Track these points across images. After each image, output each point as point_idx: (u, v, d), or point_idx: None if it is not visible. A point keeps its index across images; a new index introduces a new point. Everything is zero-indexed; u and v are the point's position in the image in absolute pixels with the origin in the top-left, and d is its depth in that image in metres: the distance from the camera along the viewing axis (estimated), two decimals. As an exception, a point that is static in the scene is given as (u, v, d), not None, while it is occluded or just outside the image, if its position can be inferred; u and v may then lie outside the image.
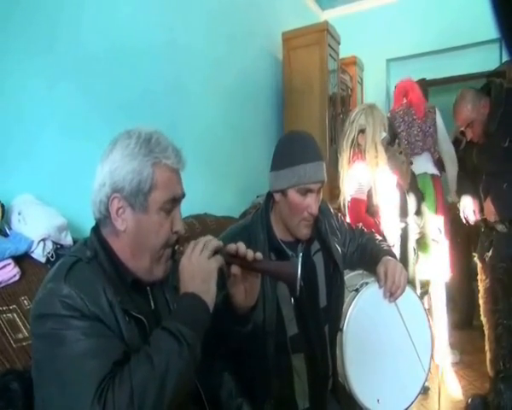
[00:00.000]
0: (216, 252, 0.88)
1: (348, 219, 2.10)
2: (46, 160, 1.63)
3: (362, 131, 2.20)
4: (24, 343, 1.19)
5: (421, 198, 2.53)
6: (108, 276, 0.85)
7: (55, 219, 1.48)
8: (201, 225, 2.25)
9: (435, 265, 2.64)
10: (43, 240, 1.41)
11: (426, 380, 1.44)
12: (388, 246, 1.56)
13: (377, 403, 1.33)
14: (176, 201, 0.92)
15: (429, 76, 3.71)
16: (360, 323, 1.35)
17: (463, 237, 3.14)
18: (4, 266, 1.28)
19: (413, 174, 2.60)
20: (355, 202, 2.16)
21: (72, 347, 0.73)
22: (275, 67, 3.52)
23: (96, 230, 0.92)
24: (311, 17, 4.30)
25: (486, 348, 2.17)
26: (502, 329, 2.00)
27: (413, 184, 2.44)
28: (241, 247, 0.93)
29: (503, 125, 2.00)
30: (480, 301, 2.21)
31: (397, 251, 2.06)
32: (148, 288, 0.95)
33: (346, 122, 2.37)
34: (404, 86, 3.04)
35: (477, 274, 2.29)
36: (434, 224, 2.61)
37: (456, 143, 2.88)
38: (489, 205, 2.08)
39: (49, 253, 1.42)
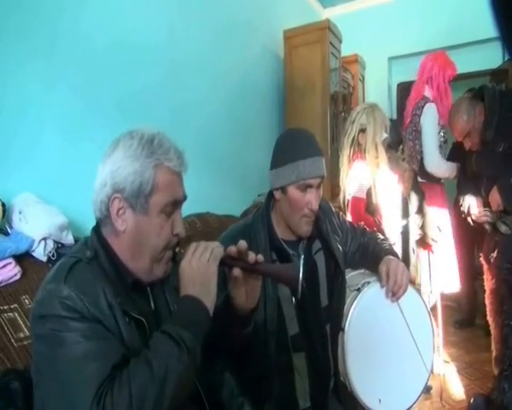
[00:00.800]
0: (217, 256, 0.88)
1: (349, 218, 2.09)
2: (47, 159, 1.63)
3: (362, 130, 2.20)
4: (25, 342, 1.19)
5: (422, 198, 2.52)
6: (108, 276, 0.85)
7: (56, 217, 1.48)
8: (203, 224, 2.25)
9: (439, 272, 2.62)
10: (44, 239, 1.41)
11: (428, 379, 1.43)
12: (390, 245, 1.55)
13: (379, 403, 1.32)
14: (177, 203, 0.92)
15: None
16: (362, 322, 1.35)
17: (466, 237, 3.12)
18: (5, 266, 1.28)
19: (415, 175, 2.58)
20: (355, 201, 2.17)
21: (71, 349, 0.72)
22: (276, 66, 3.51)
23: (96, 229, 0.92)
24: (312, 15, 4.29)
25: (492, 347, 2.17)
26: (508, 330, 2.00)
27: (414, 185, 2.42)
28: (242, 245, 0.92)
29: (499, 131, 1.98)
30: (486, 302, 2.20)
31: (397, 250, 2.05)
32: (148, 288, 0.95)
33: (347, 121, 2.36)
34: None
35: (479, 274, 2.27)
36: (435, 223, 2.59)
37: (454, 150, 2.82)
38: (495, 194, 2.06)
39: (50, 252, 1.42)
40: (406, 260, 2.21)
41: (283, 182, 1.27)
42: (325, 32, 3.25)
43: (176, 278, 0.90)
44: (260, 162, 3.08)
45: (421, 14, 4.08)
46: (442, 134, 2.74)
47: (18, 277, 1.31)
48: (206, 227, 2.24)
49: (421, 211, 2.43)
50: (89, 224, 0.96)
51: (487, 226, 2.20)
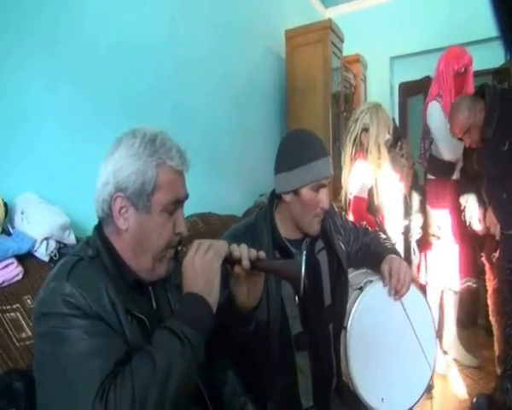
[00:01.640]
0: (221, 254, 0.87)
1: (350, 218, 2.09)
2: (49, 158, 1.63)
3: (365, 129, 2.20)
4: (27, 342, 1.18)
5: (423, 197, 2.52)
6: (110, 275, 0.85)
7: (58, 217, 1.48)
8: (205, 224, 2.25)
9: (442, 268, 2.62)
10: (46, 239, 1.41)
11: (431, 378, 1.43)
12: (392, 244, 1.55)
13: (381, 402, 1.32)
14: (179, 202, 0.92)
15: (433, 74, 3.68)
16: (364, 321, 1.35)
17: (469, 236, 3.11)
18: (7, 266, 1.28)
19: (415, 174, 2.58)
20: (357, 200, 2.17)
21: (74, 346, 0.72)
22: (278, 65, 3.51)
23: (98, 229, 0.92)
24: (314, 15, 4.29)
25: (495, 347, 2.16)
26: (510, 330, 1.99)
27: (415, 184, 2.42)
28: (243, 250, 0.92)
29: (501, 129, 1.98)
30: (489, 302, 2.20)
31: (399, 250, 2.05)
32: (150, 287, 0.95)
33: (350, 119, 2.36)
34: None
35: (482, 273, 2.27)
36: (435, 221, 2.59)
37: None
38: (491, 216, 2.07)
39: (52, 252, 1.42)
40: (408, 259, 2.21)
41: (296, 184, 1.26)
42: (327, 32, 3.24)
43: (178, 277, 0.90)
44: (262, 162, 3.09)
45: (422, 14, 4.07)
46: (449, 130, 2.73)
47: (20, 277, 1.31)
48: (207, 227, 2.24)
49: (422, 210, 2.43)
50: (91, 224, 0.96)
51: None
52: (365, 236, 1.54)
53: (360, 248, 1.52)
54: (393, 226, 2.18)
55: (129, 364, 0.72)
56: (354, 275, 1.53)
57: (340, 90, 3.52)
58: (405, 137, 3.76)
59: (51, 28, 1.65)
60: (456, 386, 2.51)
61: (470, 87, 2.67)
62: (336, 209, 1.52)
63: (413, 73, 4.18)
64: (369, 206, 2.16)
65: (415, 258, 2.49)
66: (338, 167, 2.63)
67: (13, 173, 1.50)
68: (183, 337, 0.76)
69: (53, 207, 1.51)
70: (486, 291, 2.24)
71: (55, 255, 1.42)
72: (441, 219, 2.60)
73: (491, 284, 2.17)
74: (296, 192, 1.28)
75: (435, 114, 2.68)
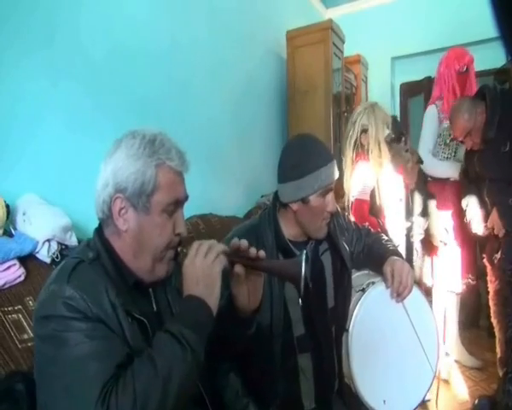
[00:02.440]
0: (222, 258, 0.87)
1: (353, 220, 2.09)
2: (51, 159, 1.63)
3: (364, 130, 2.19)
4: (29, 344, 1.18)
5: (426, 199, 2.51)
6: (111, 277, 0.85)
7: (59, 219, 1.48)
8: (206, 224, 2.25)
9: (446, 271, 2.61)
10: (48, 240, 1.41)
11: (433, 380, 1.42)
12: (394, 246, 1.55)
13: (383, 404, 1.32)
14: (178, 203, 0.92)
15: (435, 74, 3.68)
16: (366, 323, 1.35)
17: (470, 238, 3.11)
18: (9, 267, 1.28)
19: (421, 174, 2.57)
20: (358, 202, 2.16)
21: (74, 349, 0.72)
22: (279, 66, 3.51)
23: (98, 230, 0.92)
24: (315, 15, 4.29)
25: (497, 349, 2.15)
26: None
27: (419, 184, 2.41)
28: (243, 243, 0.92)
29: (502, 130, 1.98)
30: (491, 303, 2.19)
31: (402, 251, 2.04)
32: (150, 289, 0.95)
33: (348, 122, 2.35)
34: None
35: (483, 274, 2.26)
36: (441, 224, 2.58)
37: None
38: (496, 217, 2.06)
39: (53, 253, 1.42)
40: (410, 261, 2.21)
41: (305, 193, 1.25)
42: (328, 33, 3.24)
43: (178, 279, 0.90)
44: (263, 163, 3.09)
45: (423, 14, 4.07)
46: (451, 132, 2.72)
47: (22, 278, 1.31)
48: (208, 228, 2.23)
49: (425, 213, 2.41)
50: (92, 225, 0.96)
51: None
52: (368, 237, 1.54)
53: (363, 250, 1.51)
54: (395, 228, 2.17)
55: (130, 368, 0.72)
56: (356, 276, 1.53)
57: (341, 91, 3.52)
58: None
59: (49, 25, 1.63)
60: (457, 388, 2.51)
61: (474, 86, 2.66)
62: (339, 210, 1.52)
63: (414, 74, 4.17)
64: (371, 208, 2.15)
65: (418, 260, 2.48)
66: (340, 167, 2.62)
67: (14, 175, 1.50)
68: (183, 341, 0.75)
69: (54, 208, 1.52)
70: (488, 292, 2.23)
71: (56, 257, 1.42)
72: (448, 221, 2.60)
73: (492, 285, 2.16)
74: (304, 200, 1.26)
75: (427, 120, 2.70)
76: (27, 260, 1.37)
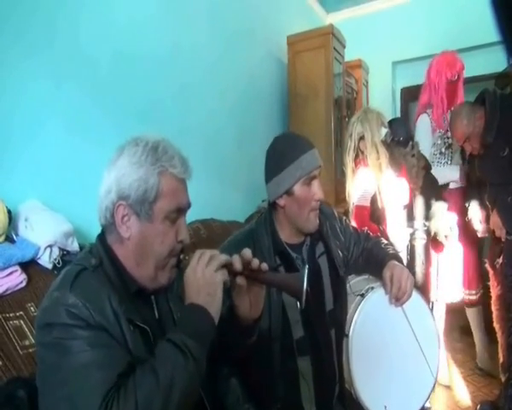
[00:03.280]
0: (222, 266, 0.87)
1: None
2: (53, 165, 1.63)
3: (361, 138, 2.21)
4: (30, 350, 1.18)
5: (430, 204, 2.50)
6: (113, 284, 0.86)
7: (61, 225, 1.48)
8: (207, 230, 2.26)
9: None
10: (50, 246, 1.42)
11: (434, 385, 1.42)
12: (394, 250, 1.54)
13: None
14: (181, 210, 0.92)
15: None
16: (366, 328, 1.35)
17: (472, 241, 3.10)
18: (11, 273, 1.28)
19: (428, 178, 2.56)
20: (359, 209, 2.17)
21: (77, 357, 0.73)
22: (280, 71, 3.52)
23: (101, 237, 0.93)
24: (316, 20, 4.30)
25: (500, 354, 2.15)
26: None
27: (424, 189, 2.40)
28: (246, 254, 0.92)
29: (501, 135, 1.98)
30: (493, 308, 2.19)
31: (404, 258, 2.04)
32: (152, 297, 0.95)
33: (346, 135, 2.37)
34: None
35: (485, 280, 2.26)
36: (446, 222, 2.56)
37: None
38: (496, 219, 2.06)
39: (55, 259, 1.42)
40: (411, 267, 2.20)
41: (288, 184, 1.28)
42: (329, 38, 3.25)
43: (180, 285, 0.90)
44: (264, 168, 3.08)
45: (424, 19, 4.08)
46: (445, 140, 2.73)
47: (23, 284, 1.31)
48: (210, 233, 2.24)
49: (428, 217, 2.39)
50: (94, 231, 0.96)
51: (491, 234, 2.19)
52: (367, 241, 1.54)
53: (361, 254, 1.51)
54: (398, 234, 2.17)
55: (132, 377, 0.73)
56: (356, 281, 1.53)
57: (341, 96, 3.52)
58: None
59: (50, 27, 1.63)
60: (459, 393, 2.50)
61: (461, 94, 2.68)
62: (336, 215, 1.52)
63: (415, 78, 4.16)
64: (372, 214, 2.15)
65: (420, 265, 2.46)
66: (340, 173, 2.62)
67: (16, 180, 1.51)
68: (185, 350, 0.76)
69: (56, 214, 1.52)
70: (490, 297, 2.23)
71: (58, 263, 1.43)
72: (453, 220, 2.59)
73: (494, 290, 2.16)
74: (289, 192, 1.29)
75: (422, 130, 2.70)
76: (29, 265, 1.37)
